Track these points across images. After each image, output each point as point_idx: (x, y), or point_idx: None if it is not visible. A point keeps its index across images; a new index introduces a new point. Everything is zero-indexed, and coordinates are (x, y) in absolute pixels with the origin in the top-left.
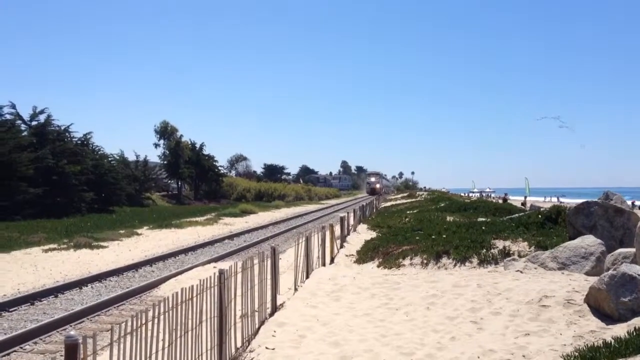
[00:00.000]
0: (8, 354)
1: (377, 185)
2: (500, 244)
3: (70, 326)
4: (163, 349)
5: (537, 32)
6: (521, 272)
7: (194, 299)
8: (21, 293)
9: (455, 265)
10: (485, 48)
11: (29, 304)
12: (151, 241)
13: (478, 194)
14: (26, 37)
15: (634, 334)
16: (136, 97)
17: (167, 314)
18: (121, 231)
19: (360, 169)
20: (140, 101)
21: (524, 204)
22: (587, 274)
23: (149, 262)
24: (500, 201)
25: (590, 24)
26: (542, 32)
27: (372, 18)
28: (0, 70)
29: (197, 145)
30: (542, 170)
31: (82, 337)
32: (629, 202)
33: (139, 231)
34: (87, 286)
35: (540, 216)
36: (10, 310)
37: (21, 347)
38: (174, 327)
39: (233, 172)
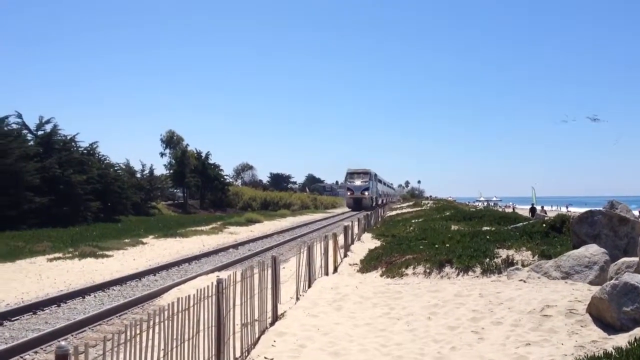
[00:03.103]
0: None
1: (366, 193)
2: (503, 253)
3: (72, 335)
4: (159, 359)
5: (546, 37)
6: (524, 281)
7: (191, 308)
8: (24, 302)
9: (458, 274)
10: (495, 54)
11: (31, 313)
12: (156, 250)
13: (485, 203)
14: (32, 46)
15: (635, 344)
16: (142, 106)
17: (163, 323)
18: (126, 240)
19: None
20: (147, 111)
21: (544, 211)
22: (591, 283)
23: (153, 271)
24: (529, 213)
25: (603, 27)
26: (552, 37)
27: (379, 24)
28: (6, 79)
29: (203, 155)
30: (550, 179)
31: (72, 347)
32: (636, 212)
33: (144, 240)
34: (90, 295)
35: (544, 225)
36: (13, 319)
37: (21, 357)
38: (171, 337)
39: (239, 181)
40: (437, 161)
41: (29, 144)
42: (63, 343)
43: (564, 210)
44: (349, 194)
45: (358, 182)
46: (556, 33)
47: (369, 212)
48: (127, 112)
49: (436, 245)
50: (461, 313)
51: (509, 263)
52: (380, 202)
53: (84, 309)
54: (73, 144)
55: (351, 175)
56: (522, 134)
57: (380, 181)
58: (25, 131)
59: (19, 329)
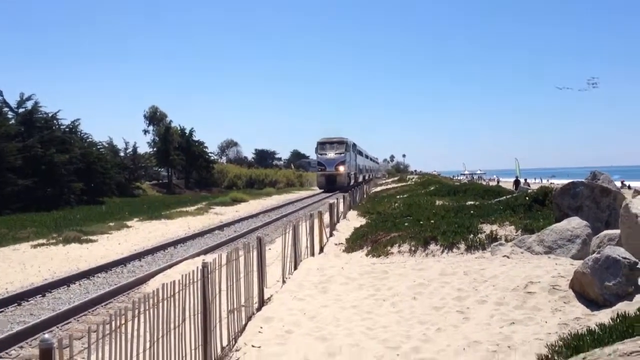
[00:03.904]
0: None
1: (341, 169)
2: (487, 228)
3: (57, 327)
4: (144, 350)
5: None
6: (508, 257)
7: (177, 295)
8: (8, 293)
9: (442, 251)
10: (477, 25)
11: (15, 304)
12: (141, 234)
13: (469, 177)
14: (12, 23)
15: (617, 320)
16: (125, 82)
17: (148, 311)
18: (111, 224)
19: None
20: (129, 86)
21: (527, 183)
22: (574, 257)
23: (138, 256)
24: (513, 186)
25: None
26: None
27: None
28: None
29: (187, 131)
30: (534, 151)
31: (57, 340)
32: (619, 182)
33: (129, 223)
34: (74, 284)
35: (527, 198)
36: None
37: (7, 353)
38: (157, 326)
39: (224, 159)
40: (422, 135)
41: (10, 122)
42: (47, 336)
43: (547, 182)
44: (319, 170)
45: (331, 154)
46: (544, 8)
47: (353, 190)
48: (109, 88)
49: (421, 222)
50: (446, 292)
51: (492, 238)
52: (361, 178)
53: (69, 298)
54: (55, 121)
55: (322, 145)
56: (505, 106)
57: (360, 153)
58: (5, 109)
59: (4, 322)
